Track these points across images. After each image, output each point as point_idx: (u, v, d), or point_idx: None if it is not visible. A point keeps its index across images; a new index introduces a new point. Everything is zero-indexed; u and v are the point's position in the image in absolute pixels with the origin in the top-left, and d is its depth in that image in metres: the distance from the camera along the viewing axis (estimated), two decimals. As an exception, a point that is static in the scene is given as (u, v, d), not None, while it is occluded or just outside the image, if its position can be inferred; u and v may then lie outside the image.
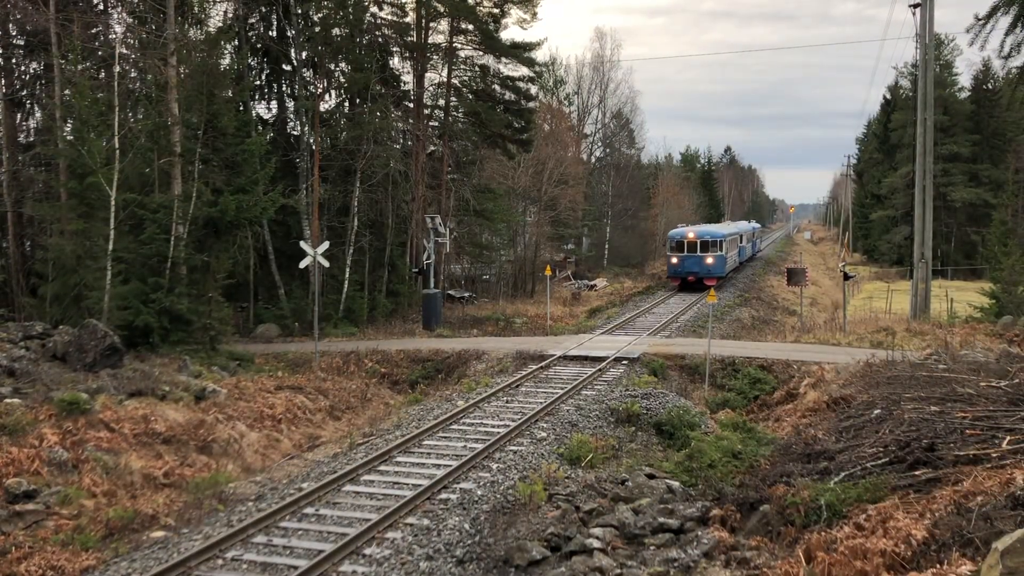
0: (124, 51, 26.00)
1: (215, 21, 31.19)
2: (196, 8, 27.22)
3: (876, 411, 13.87)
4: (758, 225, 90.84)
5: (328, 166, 34.04)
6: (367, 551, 10.80)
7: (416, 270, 38.01)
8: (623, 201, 70.17)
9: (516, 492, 12.82)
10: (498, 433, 15.97)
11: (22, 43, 28.85)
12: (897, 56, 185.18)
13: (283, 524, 11.79)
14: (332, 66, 34.98)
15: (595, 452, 15.13)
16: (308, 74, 35.92)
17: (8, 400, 14.91)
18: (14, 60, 29.35)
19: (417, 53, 38.15)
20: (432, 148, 41.09)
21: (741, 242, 57.97)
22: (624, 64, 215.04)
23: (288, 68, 35.72)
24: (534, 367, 22.76)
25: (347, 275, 33.59)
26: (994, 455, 10.17)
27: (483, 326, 34.02)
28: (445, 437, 16.20)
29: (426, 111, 39.90)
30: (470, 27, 38.38)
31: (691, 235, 44.56)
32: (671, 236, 46.63)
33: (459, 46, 39.40)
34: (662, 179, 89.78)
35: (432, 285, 33.91)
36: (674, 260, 45.01)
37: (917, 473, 10.38)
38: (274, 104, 37.24)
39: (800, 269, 34.88)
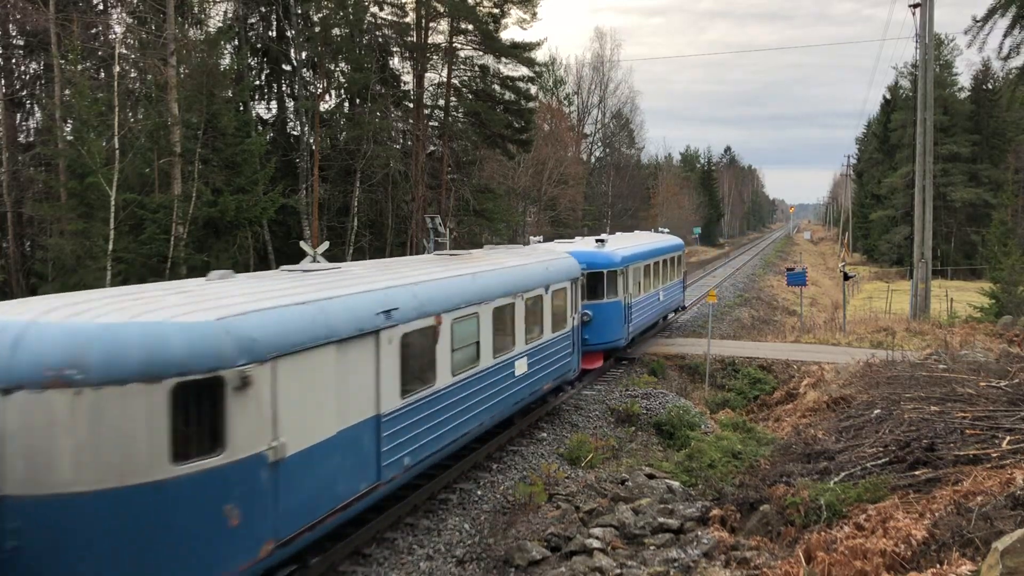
0: (124, 51, 26.02)
1: (215, 21, 31.28)
2: (196, 8, 27.26)
3: (876, 411, 13.89)
4: (625, 251, 21.91)
5: (328, 166, 34.05)
6: (367, 550, 10.79)
7: (416, 270, 37.95)
8: (623, 201, 70.29)
9: (516, 492, 12.81)
10: (497, 432, 15.94)
11: (22, 43, 28.88)
12: (897, 56, 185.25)
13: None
14: (332, 66, 35.00)
15: (595, 452, 15.12)
16: (308, 74, 35.97)
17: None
18: (14, 60, 29.38)
19: (417, 53, 38.17)
20: (432, 148, 41.10)
21: None
22: (624, 64, 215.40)
23: (288, 68, 35.75)
24: (534, 367, 22.71)
25: (347, 275, 33.55)
26: (994, 455, 10.18)
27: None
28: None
29: (426, 111, 39.91)
30: (470, 27, 38.40)
31: None
32: None
33: (459, 46, 39.43)
34: (662, 179, 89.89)
35: (432, 285, 33.81)
36: None
37: (917, 473, 10.39)
38: (274, 104, 37.35)
39: (802, 271, 34.89)
